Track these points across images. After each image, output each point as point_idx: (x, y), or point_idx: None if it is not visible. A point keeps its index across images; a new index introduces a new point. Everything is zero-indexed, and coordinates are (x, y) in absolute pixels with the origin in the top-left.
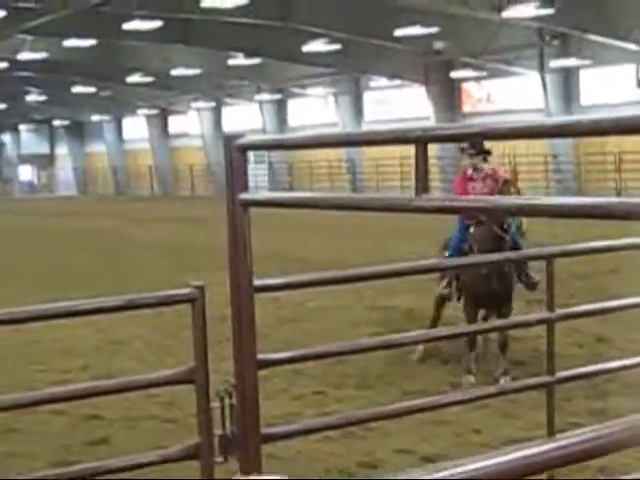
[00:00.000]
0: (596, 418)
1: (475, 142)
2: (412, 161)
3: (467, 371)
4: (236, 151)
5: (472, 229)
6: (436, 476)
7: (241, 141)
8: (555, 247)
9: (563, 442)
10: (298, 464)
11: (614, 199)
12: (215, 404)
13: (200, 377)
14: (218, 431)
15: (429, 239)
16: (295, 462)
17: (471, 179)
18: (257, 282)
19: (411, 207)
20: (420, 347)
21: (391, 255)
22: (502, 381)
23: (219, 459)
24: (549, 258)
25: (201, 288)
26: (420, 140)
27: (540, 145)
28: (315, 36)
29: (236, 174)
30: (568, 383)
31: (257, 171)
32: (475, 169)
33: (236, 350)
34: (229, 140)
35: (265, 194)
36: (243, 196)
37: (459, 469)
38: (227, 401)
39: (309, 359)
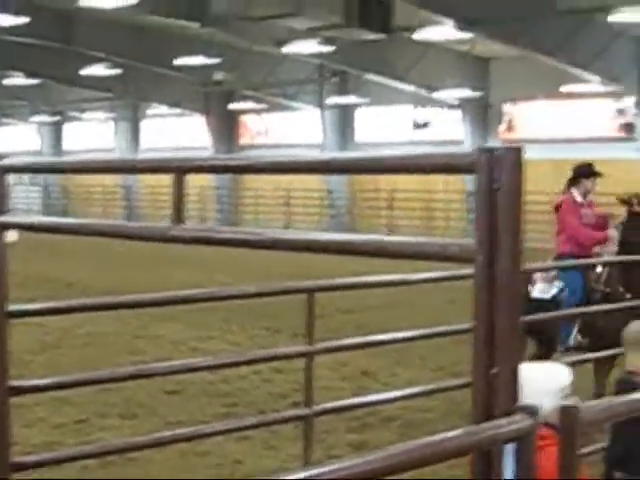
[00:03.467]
0: (355, 451)
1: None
2: (186, 190)
3: None
4: None
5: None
6: None
7: (0, 163)
8: (317, 281)
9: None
10: None
11: (385, 237)
12: None
13: None
14: None
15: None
16: None
17: (582, 205)
18: (11, 307)
19: (168, 236)
20: None
21: (165, 284)
22: None
23: None
24: (309, 292)
25: None
26: (179, 170)
27: (316, 180)
28: (96, 60)
29: None
30: (330, 416)
31: (30, 194)
32: (585, 194)
33: None
34: None
35: (22, 218)
36: (0, 219)
37: None
38: None
39: (65, 387)
